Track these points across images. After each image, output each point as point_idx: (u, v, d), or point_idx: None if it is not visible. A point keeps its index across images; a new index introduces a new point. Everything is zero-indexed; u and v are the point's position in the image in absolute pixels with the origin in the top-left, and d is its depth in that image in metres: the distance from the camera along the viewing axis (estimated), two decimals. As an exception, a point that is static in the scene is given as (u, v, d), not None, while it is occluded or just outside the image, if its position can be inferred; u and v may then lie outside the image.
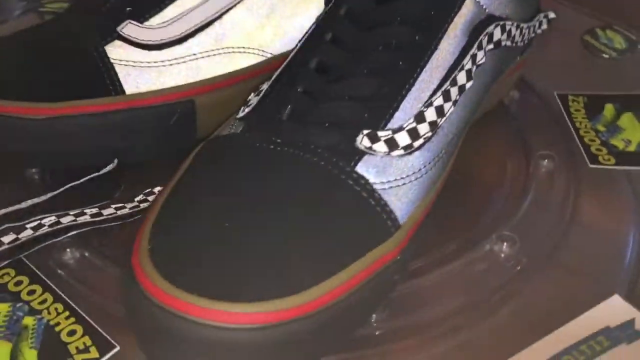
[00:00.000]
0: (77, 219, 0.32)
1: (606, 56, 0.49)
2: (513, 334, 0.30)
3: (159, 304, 0.24)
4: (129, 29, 0.37)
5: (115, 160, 0.37)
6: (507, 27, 0.34)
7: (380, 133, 0.28)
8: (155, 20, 0.38)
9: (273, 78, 0.33)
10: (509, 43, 0.35)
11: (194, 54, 0.38)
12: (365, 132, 0.28)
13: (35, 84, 0.36)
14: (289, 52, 0.41)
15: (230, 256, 0.25)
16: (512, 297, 0.31)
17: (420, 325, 0.30)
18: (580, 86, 0.46)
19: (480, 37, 0.32)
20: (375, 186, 0.28)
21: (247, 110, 0.31)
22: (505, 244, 0.33)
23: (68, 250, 0.33)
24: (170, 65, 0.38)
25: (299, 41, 0.34)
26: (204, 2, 0.38)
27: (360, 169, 0.28)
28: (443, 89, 0.30)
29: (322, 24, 0.33)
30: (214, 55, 0.39)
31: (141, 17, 0.38)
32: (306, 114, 0.29)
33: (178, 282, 0.24)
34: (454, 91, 0.30)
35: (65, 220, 0.32)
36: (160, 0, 0.38)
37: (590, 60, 0.49)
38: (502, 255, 0.33)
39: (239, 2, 0.39)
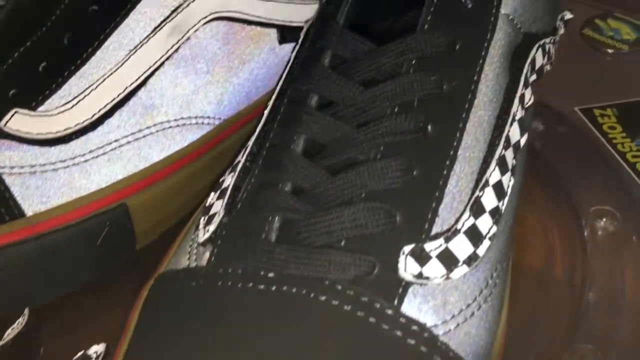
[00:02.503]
0: None
1: (610, 51, 0.41)
2: None
3: None
4: (18, 121, 0.26)
5: (26, 312, 0.26)
6: (547, 46, 0.25)
7: (428, 246, 0.18)
8: (52, 103, 0.26)
9: (239, 168, 0.23)
10: (548, 67, 0.26)
11: (116, 140, 0.27)
12: (407, 249, 0.18)
13: None
14: (241, 113, 0.32)
15: None
16: None
17: None
18: (597, 93, 0.37)
19: (525, 68, 0.22)
20: (435, 331, 0.18)
21: (210, 228, 0.21)
22: None
23: None
24: (85, 161, 0.27)
25: (267, 108, 0.24)
26: (117, 66, 0.27)
27: (409, 307, 0.18)
28: (497, 155, 0.20)
29: (298, 79, 0.23)
30: (144, 136, 0.28)
31: (32, 100, 0.26)
32: (306, 229, 0.19)
33: None
34: (509, 155, 0.21)
35: None
36: (56, 73, 0.27)
37: (595, 57, 0.41)
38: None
39: (166, 59, 0.28)
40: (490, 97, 0.21)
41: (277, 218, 0.20)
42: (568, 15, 0.31)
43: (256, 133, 0.23)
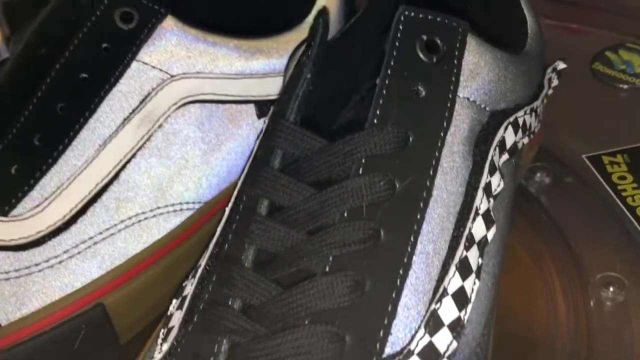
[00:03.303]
0: None
1: (623, 86, 0.38)
2: None
3: None
4: (-11, 228, 0.26)
5: (8, 420, 0.26)
6: (521, 119, 0.23)
7: (377, 375, 0.17)
8: (25, 206, 0.26)
9: (199, 275, 0.22)
10: (526, 140, 0.24)
11: (90, 238, 0.27)
12: (354, 380, 0.17)
13: None
14: (224, 193, 0.31)
15: None
16: None
17: None
18: (607, 136, 0.35)
19: (490, 152, 0.21)
20: None
21: (164, 347, 0.20)
22: None
23: None
24: (60, 262, 0.26)
25: (228, 206, 0.23)
26: (87, 162, 0.27)
27: None
28: (457, 259, 0.19)
29: (250, 183, 0.22)
30: (119, 231, 0.27)
31: (5, 205, 0.26)
32: (252, 355, 0.18)
33: None
34: (473, 255, 0.19)
35: None
36: (27, 175, 0.27)
37: (607, 95, 0.38)
38: None
39: (138, 150, 0.28)
40: (450, 192, 0.19)
41: (225, 340, 0.19)
42: (561, 66, 0.29)
43: (217, 234, 0.23)
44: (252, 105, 0.30)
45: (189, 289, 0.22)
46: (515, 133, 0.22)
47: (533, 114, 0.24)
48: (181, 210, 0.29)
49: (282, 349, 0.18)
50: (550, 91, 0.29)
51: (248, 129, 0.30)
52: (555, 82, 0.29)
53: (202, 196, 0.29)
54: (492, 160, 0.21)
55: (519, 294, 0.29)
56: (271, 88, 0.31)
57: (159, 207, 0.28)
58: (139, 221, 0.28)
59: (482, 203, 0.20)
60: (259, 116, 0.31)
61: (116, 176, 0.27)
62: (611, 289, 0.27)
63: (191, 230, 0.29)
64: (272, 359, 0.18)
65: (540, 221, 0.31)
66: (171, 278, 0.29)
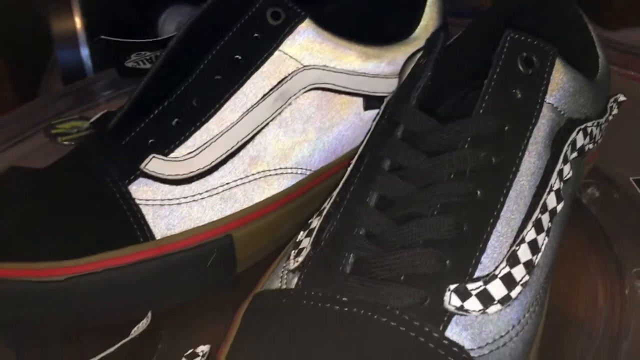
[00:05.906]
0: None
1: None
2: None
3: None
4: (154, 164, 0.33)
5: (149, 314, 0.32)
6: (589, 129, 0.29)
7: (470, 286, 0.23)
8: (181, 151, 0.33)
9: (325, 214, 0.28)
10: (591, 146, 0.30)
11: (227, 183, 0.34)
12: (452, 287, 0.23)
13: (51, 240, 0.31)
14: (329, 166, 0.38)
15: None
16: None
17: None
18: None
19: (565, 147, 0.27)
20: (473, 354, 0.23)
21: (299, 259, 0.27)
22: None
23: None
24: (202, 199, 0.33)
25: (349, 167, 0.30)
26: (232, 124, 0.34)
27: (452, 333, 0.23)
28: (534, 218, 0.25)
29: (375, 146, 0.28)
30: (249, 181, 0.34)
31: (166, 148, 0.33)
32: (374, 265, 0.25)
33: None
34: (545, 219, 0.26)
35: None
36: (185, 128, 0.34)
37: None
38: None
39: (270, 120, 0.35)
40: (532, 170, 0.26)
41: (351, 255, 0.25)
42: (621, 98, 0.35)
43: (340, 186, 0.29)
44: (360, 99, 0.37)
45: (316, 223, 0.28)
46: (585, 138, 0.29)
47: (598, 128, 0.30)
48: (296, 173, 0.36)
49: (399, 262, 0.24)
50: (611, 117, 0.35)
51: (355, 118, 0.37)
52: (615, 111, 0.35)
53: (313, 165, 0.36)
54: (565, 154, 0.27)
55: (567, 283, 0.35)
56: (378, 86, 0.38)
57: (280, 168, 0.35)
58: (265, 176, 0.35)
59: (555, 182, 0.26)
60: (365, 108, 0.38)
61: (252, 138, 0.34)
62: (643, 281, 0.33)
63: (303, 190, 0.36)
64: (390, 268, 0.24)
65: (589, 226, 0.37)
66: (284, 224, 0.36)
